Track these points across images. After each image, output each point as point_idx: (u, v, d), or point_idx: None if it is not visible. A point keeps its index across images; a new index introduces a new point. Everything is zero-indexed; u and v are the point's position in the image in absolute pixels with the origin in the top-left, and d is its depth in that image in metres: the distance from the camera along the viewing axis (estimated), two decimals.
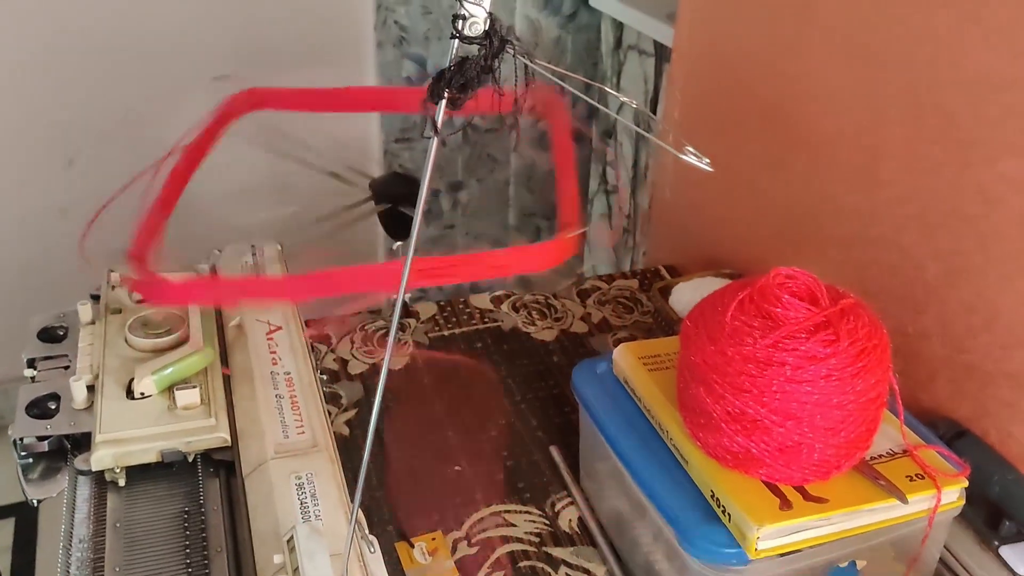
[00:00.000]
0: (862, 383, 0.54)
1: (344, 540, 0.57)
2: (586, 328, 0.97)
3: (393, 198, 0.89)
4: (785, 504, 0.56)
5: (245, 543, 0.64)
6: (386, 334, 0.95)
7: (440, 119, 0.45)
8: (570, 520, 0.74)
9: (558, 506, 0.75)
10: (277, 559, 0.59)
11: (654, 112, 1.65)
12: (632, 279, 1.06)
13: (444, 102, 0.44)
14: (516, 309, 1.00)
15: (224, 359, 0.79)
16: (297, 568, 0.57)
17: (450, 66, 0.44)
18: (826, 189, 0.84)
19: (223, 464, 0.71)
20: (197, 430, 0.70)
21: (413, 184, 0.91)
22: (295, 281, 0.79)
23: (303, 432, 0.71)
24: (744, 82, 0.93)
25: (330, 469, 0.68)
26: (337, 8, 1.74)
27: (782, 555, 0.56)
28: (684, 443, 0.61)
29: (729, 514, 0.56)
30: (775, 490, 0.57)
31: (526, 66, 0.47)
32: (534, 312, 0.99)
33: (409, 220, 0.91)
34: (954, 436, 0.70)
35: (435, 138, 0.46)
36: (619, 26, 1.71)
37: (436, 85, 0.44)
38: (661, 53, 1.59)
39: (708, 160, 0.44)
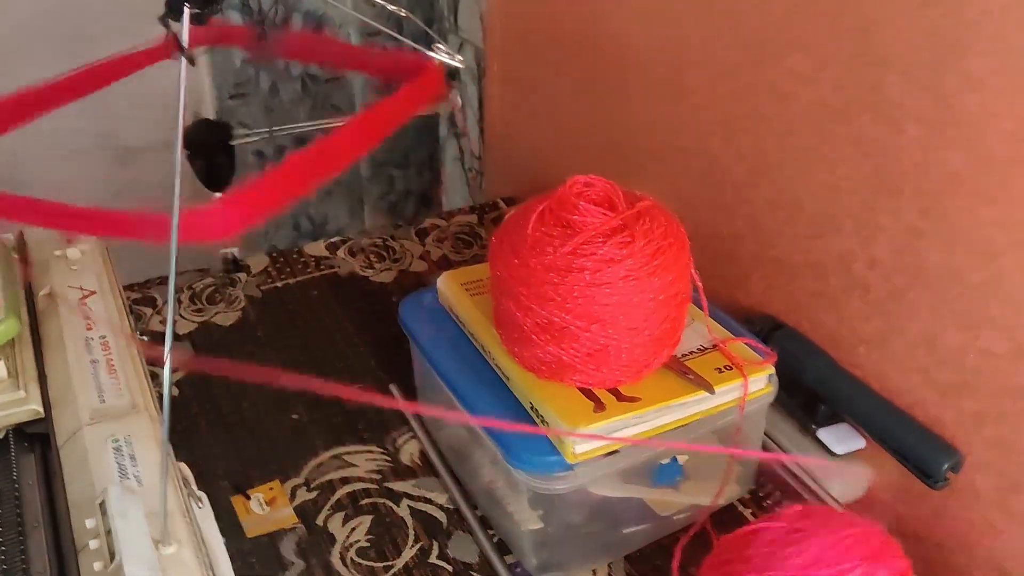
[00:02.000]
0: (659, 281, 0.55)
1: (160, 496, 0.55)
2: (425, 266, 0.96)
3: (207, 147, 0.86)
4: (599, 407, 0.56)
5: (63, 514, 0.61)
6: (216, 291, 0.92)
7: (186, 38, 0.43)
8: (411, 454, 0.74)
9: (399, 441, 0.75)
10: (90, 523, 0.57)
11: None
12: (471, 214, 1.06)
13: (186, 16, 0.42)
14: (353, 254, 0.98)
15: (36, 330, 0.75)
16: (111, 531, 0.55)
17: None
18: (638, 105, 0.85)
19: (38, 437, 0.67)
20: (6, 404, 0.66)
21: (225, 130, 0.87)
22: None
23: (121, 396, 0.68)
24: (559, 7, 0.93)
25: (150, 429, 0.65)
26: None
27: (604, 457, 0.57)
28: (503, 360, 0.61)
29: (547, 422, 0.57)
30: (589, 395, 0.57)
31: None
32: (372, 255, 0.98)
33: (227, 168, 0.88)
34: (771, 330, 0.73)
35: (182, 58, 0.43)
36: None
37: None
38: None
39: (461, 58, 0.43)
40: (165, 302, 0.90)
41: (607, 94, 0.89)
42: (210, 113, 1.75)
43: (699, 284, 0.59)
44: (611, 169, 0.92)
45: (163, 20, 0.42)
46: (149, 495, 0.59)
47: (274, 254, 0.98)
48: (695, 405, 0.58)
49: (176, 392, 0.80)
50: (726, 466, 0.65)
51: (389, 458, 0.73)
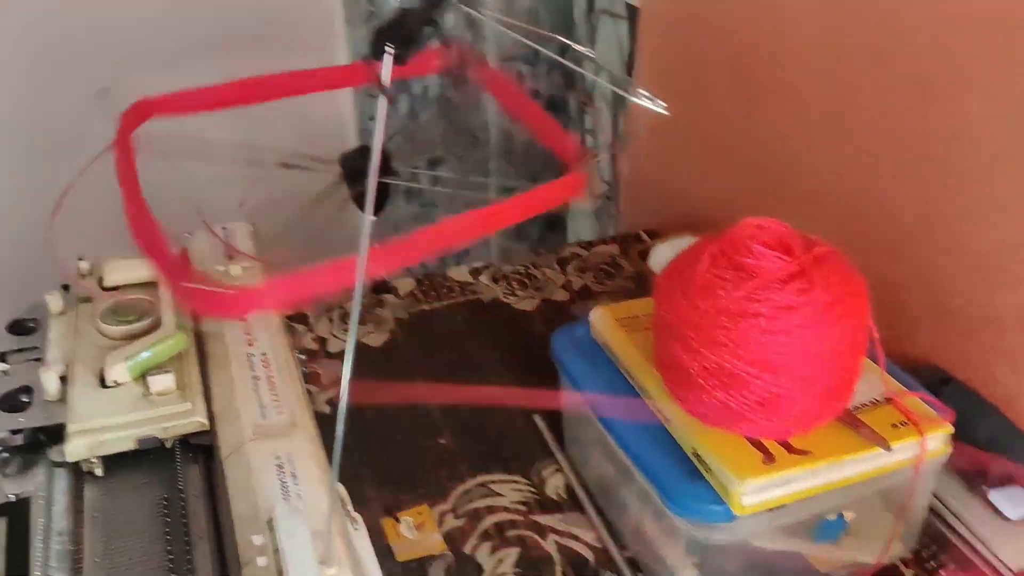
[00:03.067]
0: (838, 331, 0.53)
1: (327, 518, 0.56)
2: (567, 296, 0.96)
3: (360, 173, 0.88)
4: (768, 458, 0.55)
5: (227, 528, 0.63)
6: (365, 311, 0.94)
7: (387, 76, 0.44)
8: (556, 487, 0.73)
9: (544, 473, 0.75)
10: (257, 540, 0.58)
11: (630, 72, 1.63)
12: (612, 244, 1.05)
13: (388, 57, 0.43)
14: (496, 280, 0.99)
15: (200, 344, 0.78)
16: (277, 548, 0.56)
17: (391, 20, 0.43)
18: (798, 142, 0.83)
19: (202, 449, 0.70)
20: (173, 415, 0.69)
21: (385, 158, 0.89)
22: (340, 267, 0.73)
23: (281, 412, 0.70)
24: (712, 38, 0.92)
25: (310, 448, 0.67)
26: None
27: (768, 510, 0.55)
28: (664, 402, 0.60)
29: (712, 470, 0.55)
30: (758, 445, 0.56)
31: (472, 21, 0.45)
32: (514, 283, 0.98)
33: (384, 193, 0.89)
34: (939, 383, 0.69)
35: (383, 96, 0.44)
36: None
37: (378, 41, 0.43)
38: (634, 16, 1.57)
39: (664, 103, 0.42)
40: (318, 319, 0.93)
41: (763, 129, 0.87)
42: (352, 133, 1.80)
43: (875, 335, 0.57)
44: (764, 207, 0.90)
45: (367, 58, 0.43)
46: (310, 514, 0.60)
47: (420, 277, 0.99)
48: (869, 462, 0.56)
49: (327, 410, 0.82)
50: (892, 524, 0.62)
51: (534, 490, 0.73)
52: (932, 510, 0.66)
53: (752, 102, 0.88)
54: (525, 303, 0.95)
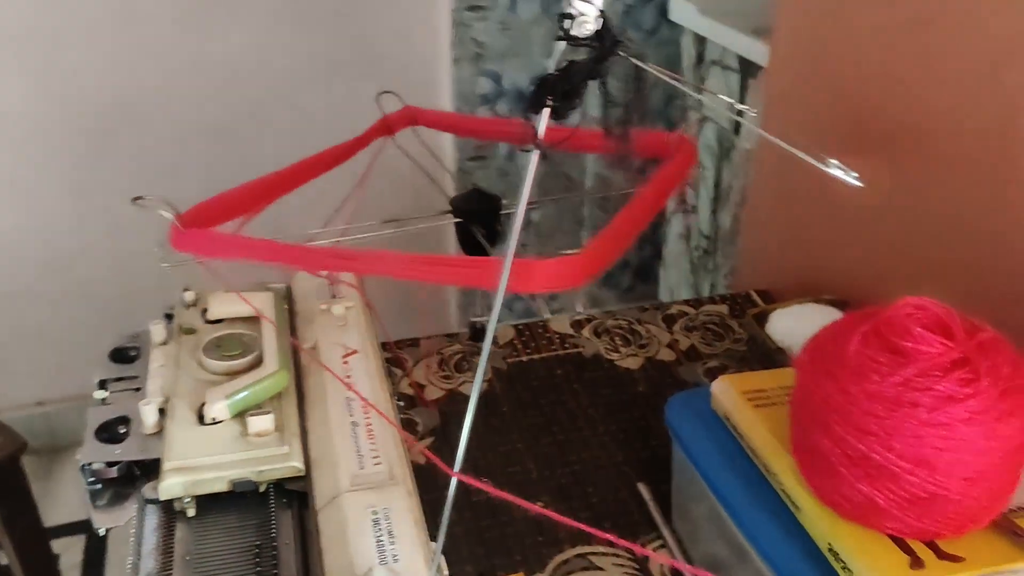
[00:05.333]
0: (1006, 428, 0.48)
1: None
2: (673, 356, 0.92)
3: (468, 215, 0.86)
4: (916, 563, 0.50)
5: None
6: (464, 359, 0.91)
7: (542, 129, 0.41)
8: (661, 566, 0.69)
9: (648, 548, 0.70)
10: None
11: (737, 130, 1.59)
12: (721, 304, 1.01)
13: (547, 111, 0.40)
14: (598, 334, 0.95)
15: (298, 383, 0.76)
16: None
17: (555, 71, 0.40)
18: (946, 209, 0.77)
19: (296, 495, 0.67)
20: (270, 458, 0.67)
21: (492, 202, 0.87)
22: (308, 251, 0.74)
23: (379, 463, 0.67)
24: (850, 97, 0.87)
25: (407, 504, 0.64)
26: (413, 24, 1.72)
27: None
28: (796, 489, 0.55)
29: (851, 571, 0.50)
30: (903, 545, 0.51)
31: (638, 72, 0.42)
32: (617, 338, 0.95)
33: (495, 238, 0.87)
34: None
35: (535, 151, 0.42)
36: (701, 41, 1.65)
37: (538, 92, 0.40)
38: (746, 68, 1.53)
39: (856, 174, 0.39)
40: (415, 364, 0.90)
41: (906, 194, 0.82)
42: (450, 171, 1.79)
43: None
44: (902, 278, 0.85)
45: (524, 112, 0.41)
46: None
47: (520, 326, 0.96)
48: None
49: (423, 461, 0.79)
50: None
51: (638, 566, 0.69)
52: None
53: (891, 164, 0.83)
54: (629, 360, 0.91)
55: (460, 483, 0.60)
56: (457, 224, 0.86)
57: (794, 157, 0.99)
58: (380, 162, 0.86)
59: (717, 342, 0.94)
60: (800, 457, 0.55)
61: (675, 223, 1.86)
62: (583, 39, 0.41)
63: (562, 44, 0.42)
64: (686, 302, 1.01)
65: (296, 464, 0.67)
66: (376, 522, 0.62)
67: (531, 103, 0.41)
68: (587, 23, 0.41)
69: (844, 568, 0.51)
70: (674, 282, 1.90)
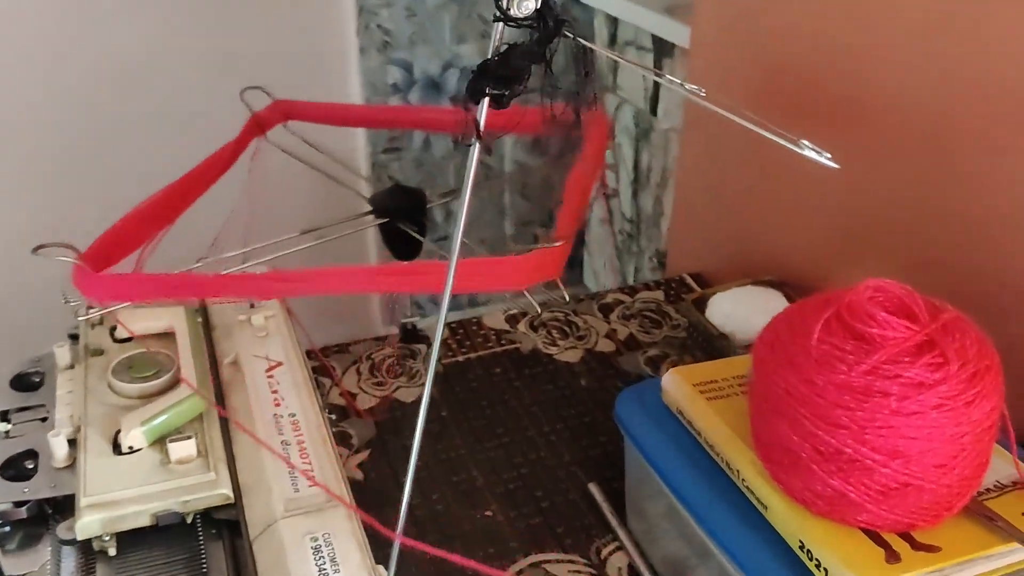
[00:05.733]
0: (977, 412, 0.46)
1: None
2: (613, 346, 0.89)
3: (393, 213, 0.81)
4: (892, 556, 0.48)
5: None
6: (395, 363, 0.87)
7: (483, 120, 0.37)
8: (620, 568, 0.66)
9: (604, 552, 0.67)
10: None
11: (654, 111, 1.58)
12: (656, 290, 0.99)
13: (486, 100, 0.36)
14: (535, 328, 0.92)
15: (220, 402, 0.70)
16: None
17: (493, 56, 0.36)
18: (887, 184, 0.76)
19: (226, 524, 0.62)
20: (195, 487, 0.62)
21: (415, 197, 0.82)
22: (245, 279, 0.70)
23: (316, 484, 0.63)
24: (783, 71, 0.85)
25: (349, 527, 0.59)
26: (316, 14, 1.65)
27: None
28: (761, 486, 0.53)
29: (826, 569, 0.48)
30: (877, 539, 0.49)
31: (584, 54, 0.39)
32: (554, 331, 0.91)
33: (409, 236, 0.83)
34: None
35: (476, 143, 0.38)
36: (613, 21, 1.63)
37: (477, 80, 0.36)
38: (660, 48, 1.51)
39: (829, 155, 0.36)
40: (344, 372, 0.86)
41: (845, 170, 0.81)
42: (363, 166, 1.74)
43: (1006, 411, 0.50)
44: (838, 255, 0.84)
45: (462, 101, 0.37)
46: None
47: (453, 324, 0.92)
48: (1003, 558, 0.49)
49: (360, 476, 0.75)
50: None
51: (594, 571, 0.66)
52: None
53: (826, 137, 0.81)
54: (568, 354, 0.88)
55: (398, 495, 0.57)
56: (382, 223, 0.81)
57: (722, 136, 0.97)
58: (283, 167, 0.81)
59: (655, 329, 0.92)
60: (764, 452, 0.53)
61: (596, 208, 1.84)
62: (524, 19, 0.38)
63: (500, 25, 0.39)
64: (620, 290, 0.98)
65: (224, 491, 0.62)
66: (317, 549, 0.58)
67: (470, 92, 0.37)
68: (527, 2, 0.38)
69: (817, 566, 0.49)
70: (597, 266, 1.88)
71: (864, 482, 0.47)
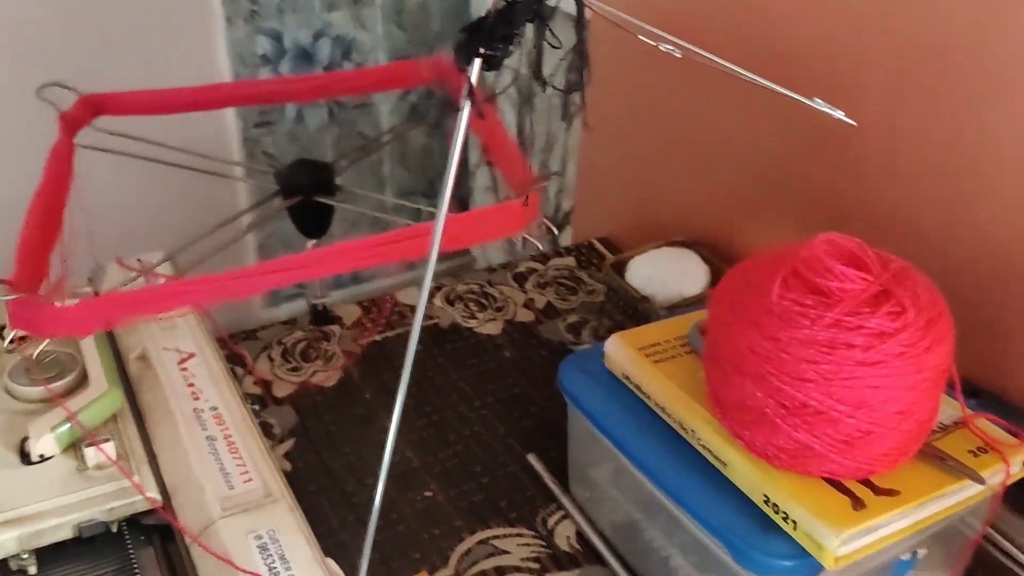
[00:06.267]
0: (934, 357, 0.47)
1: None
2: (532, 316, 0.88)
3: (305, 189, 0.77)
4: (857, 503, 0.49)
5: None
6: (309, 346, 0.83)
7: (475, 80, 0.35)
8: (568, 537, 0.66)
9: (551, 522, 0.67)
10: None
11: (538, 75, 1.56)
12: (568, 256, 0.98)
13: (479, 61, 0.34)
14: (451, 302, 0.90)
15: (132, 400, 0.65)
16: None
17: (490, 12, 0.34)
18: (787, 141, 0.77)
19: (156, 529, 0.58)
20: (118, 493, 0.58)
21: (325, 171, 0.79)
22: (206, 283, 0.65)
23: (250, 479, 0.59)
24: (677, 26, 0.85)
25: (293, 521, 0.56)
26: None
27: (855, 561, 0.49)
28: (719, 444, 0.53)
29: (795, 521, 0.49)
30: (840, 487, 0.50)
31: (580, 11, 0.37)
32: (472, 304, 0.90)
33: (327, 211, 0.79)
34: (969, 395, 0.65)
35: (466, 107, 0.35)
36: None
37: (471, 40, 0.34)
38: (540, 10, 1.50)
39: (843, 112, 0.35)
40: (256, 358, 0.81)
41: (746, 128, 0.82)
42: (235, 142, 1.65)
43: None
44: (744, 213, 0.85)
45: (458, 62, 0.35)
46: None
47: (366, 303, 0.89)
48: (957, 495, 0.51)
49: (288, 467, 0.71)
50: (955, 555, 0.58)
51: (543, 543, 0.65)
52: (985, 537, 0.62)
53: (721, 96, 0.82)
54: (488, 326, 0.87)
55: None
56: (286, 200, 0.77)
57: (627, 102, 0.97)
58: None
59: (571, 296, 0.91)
60: (722, 411, 0.53)
61: (480, 176, 1.82)
62: None
63: None
64: (532, 258, 0.97)
65: (152, 494, 0.58)
66: (263, 547, 0.54)
67: (462, 52, 0.34)
68: None
69: (785, 518, 0.50)
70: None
71: (828, 432, 0.48)
